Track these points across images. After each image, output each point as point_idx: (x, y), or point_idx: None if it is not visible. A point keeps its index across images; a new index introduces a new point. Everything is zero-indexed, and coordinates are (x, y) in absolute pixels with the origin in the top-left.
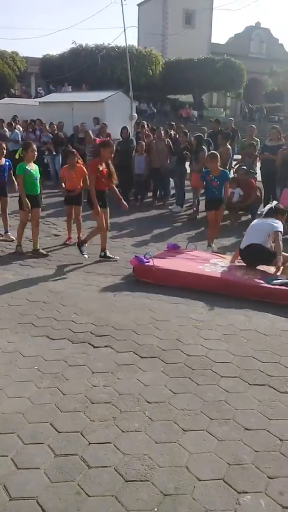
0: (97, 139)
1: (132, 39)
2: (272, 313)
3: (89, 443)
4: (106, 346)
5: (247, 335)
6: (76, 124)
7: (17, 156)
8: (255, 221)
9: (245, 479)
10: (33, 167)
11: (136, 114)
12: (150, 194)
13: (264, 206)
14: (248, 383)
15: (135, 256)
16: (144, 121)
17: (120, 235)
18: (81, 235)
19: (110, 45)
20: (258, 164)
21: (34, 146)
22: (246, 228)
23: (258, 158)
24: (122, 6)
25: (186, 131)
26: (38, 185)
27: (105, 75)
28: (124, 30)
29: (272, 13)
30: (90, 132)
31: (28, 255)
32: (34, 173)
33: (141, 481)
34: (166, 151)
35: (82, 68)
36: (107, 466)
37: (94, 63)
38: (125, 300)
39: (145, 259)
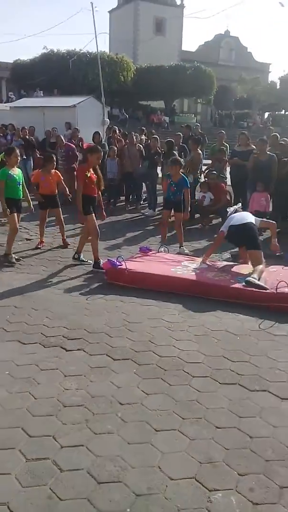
0: (70, 143)
1: (103, 45)
2: (242, 313)
3: (61, 447)
4: (78, 349)
5: (218, 336)
6: (48, 129)
7: None
8: (238, 213)
9: (216, 477)
10: (16, 172)
11: (108, 120)
12: (122, 198)
13: None
14: (219, 382)
15: (108, 259)
16: (115, 126)
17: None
18: (65, 237)
19: (82, 51)
20: (228, 169)
21: (18, 151)
22: (217, 232)
23: (227, 163)
24: (93, 12)
25: (157, 136)
26: (21, 189)
27: (76, 80)
28: (95, 36)
29: (241, 22)
30: (61, 136)
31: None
32: (17, 178)
33: (114, 482)
34: (138, 156)
35: (54, 73)
36: (80, 469)
37: (66, 69)
38: (97, 303)
39: (117, 263)
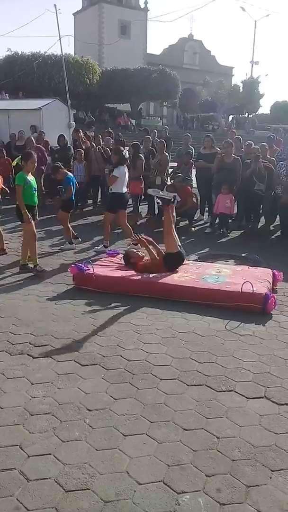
0: (40, 146)
1: (68, 48)
2: (208, 314)
3: (28, 456)
4: (45, 356)
5: (185, 337)
6: (13, 132)
7: (14, 163)
8: None
9: (184, 479)
10: (31, 177)
11: (73, 122)
12: (90, 201)
13: (200, 212)
14: (186, 384)
15: (75, 264)
16: (80, 129)
17: (60, 242)
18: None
19: (46, 54)
20: (194, 171)
21: (35, 157)
22: (184, 234)
23: (193, 165)
24: (56, 14)
25: (121, 139)
26: (36, 196)
27: (42, 83)
28: (60, 39)
29: (204, 26)
30: (32, 137)
31: None
32: (33, 183)
33: (82, 490)
34: (101, 159)
35: (18, 76)
36: (47, 478)
37: (31, 71)
38: (65, 309)
39: (85, 267)
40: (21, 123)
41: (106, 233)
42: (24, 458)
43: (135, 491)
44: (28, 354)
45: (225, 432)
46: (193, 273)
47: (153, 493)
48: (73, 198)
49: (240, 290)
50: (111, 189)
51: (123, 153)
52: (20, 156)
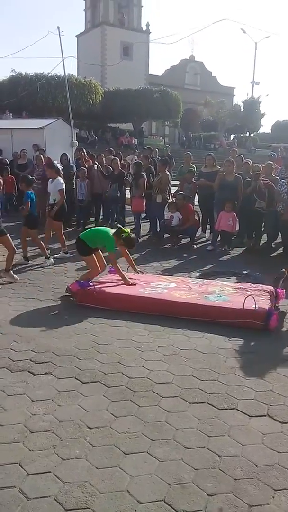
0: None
1: (71, 69)
2: (210, 331)
3: (28, 474)
4: (46, 373)
5: (186, 355)
6: (16, 151)
7: None
8: None
9: (185, 498)
10: None
11: (76, 141)
12: (92, 219)
13: (202, 230)
14: (188, 402)
15: (77, 281)
16: (83, 148)
17: (63, 260)
18: None
19: (50, 74)
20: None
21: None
22: (186, 251)
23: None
24: (59, 36)
25: (116, 157)
26: None
27: (45, 103)
28: (63, 60)
29: (205, 47)
30: (42, 156)
31: None
32: None
33: (82, 508)
34: (102, 177)
35: (22, 96)
36: (47, 496)
37: (34, 92)
38: (66, 325)
39: (86, 284)
40: (24, 142)
41: (62, 241)
42: (24, 476)
43: (135, 510)
44: (29, 371)
45: (227, 450)
46: (196, 292)
47: None
48: (35, 213)
49: (243, 307)
50: (55, 200)
51: (56, 165)
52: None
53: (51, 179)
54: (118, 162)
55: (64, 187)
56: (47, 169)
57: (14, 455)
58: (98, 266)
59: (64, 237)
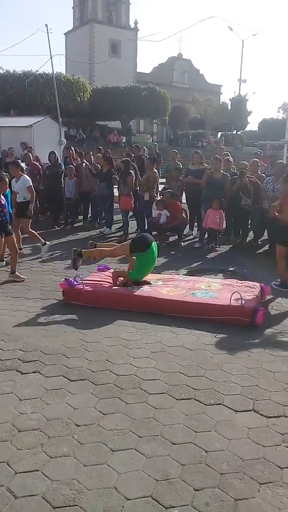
0: (36, 163)
1: (59, 67)
2: (197, 328)
3: (16, 473)
4: (34, 372)
5: (174, 351)
6: (4, 149)
7: None
8: None
9: (172, 494)
10: None
11: (64, 139)
12: (80, 217)
13: (190, 227)
14: (175, 398)
15: (65, 279)
16: (71, 146)
17: (51, 258)
18: None
19: (38, 72)
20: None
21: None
22: (174, 249)
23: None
24: (47, 34)
25: (108, 155)
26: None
27: (33, 101)
28: (51, 58)
29: (193, 45)
30: (30, 154)
31: None
32: None
33: (69, 506)
34: (90, 175)
35: (10, 94)
36: (35, 495)
37: (22, 89)
38: (54, 324)
39: (75, 282)
40: (12, 140)
41: (34, 236)
42: (12, 475)
43: (123, 506)
44: (16, 370)
45: (214, 445)
46: (183, 288)
47: (141, 508)
48: (10, 211)
49: (229, 303)
50: (24, 198)
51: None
52: None
53: (15, 178)
54: (108, 159)
55: (31, 183)
56: (14, 168)
57: (1, 454)
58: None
59: (33, 231)
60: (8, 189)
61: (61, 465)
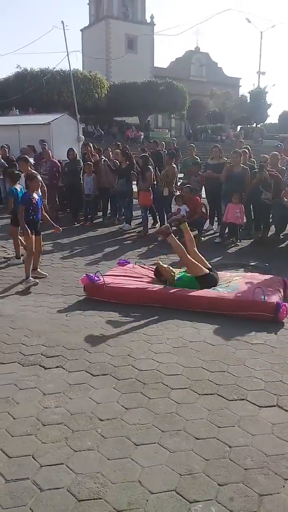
0: (55, 160)
1: (76, 63)
2: (219, 323)
3: (41, 466)
4: (57, 367)
5: (196, 347)
6: (23, 147)
7: None
8: None
9: (196, 488)
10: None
11: (83, 136)
12: (100, 214)
13: (210, 222)
14: (198, 393)
15: (86, 274)
16: (90, 143)
17: (71, 254)
18: None
19: (55, 69)
20: None
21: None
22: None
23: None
24: (64, 31)
25: (127, 151)
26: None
27: (51, 98)
28: (68, 55)
29: (210, 38)
30: (49, 151)
31: None
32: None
33: (94, 499)
34: (109, 171)
35: (28, 91)
36: (59, 488)
37: (40, 87)
38: (76, 319)
39: (95, 278)
40: (31, 138)
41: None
42: (37, 468)
43: (147, 500)
44: (40, 365)
45: (237, 441)
46: None
47: (165, 502)
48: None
49: (252, 298)
50: None
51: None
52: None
53: (23, 174)
54: (127, 155)
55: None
56: (23, 163)
57: (27, 448)
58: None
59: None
60: (21, 185)
61: (85, 458)
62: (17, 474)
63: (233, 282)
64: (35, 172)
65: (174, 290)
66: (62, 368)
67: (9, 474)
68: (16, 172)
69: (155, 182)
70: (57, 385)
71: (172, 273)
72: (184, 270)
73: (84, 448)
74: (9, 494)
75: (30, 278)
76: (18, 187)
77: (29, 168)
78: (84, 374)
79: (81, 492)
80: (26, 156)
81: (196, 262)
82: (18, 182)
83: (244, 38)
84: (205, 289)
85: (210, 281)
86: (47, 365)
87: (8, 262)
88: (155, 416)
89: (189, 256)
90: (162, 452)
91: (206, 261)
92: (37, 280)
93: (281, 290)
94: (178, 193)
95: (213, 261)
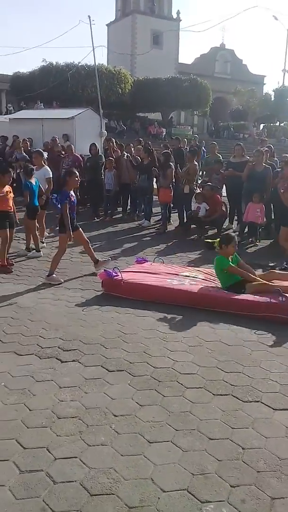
0: (77, 155)
1: (101, 58)
2: (236, 324)
3: (55, 459)
4: (73, 361)
5: (212, 346)
6: (46, 141)
7: None
8: None
9: (208, 489)
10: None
11: (105, 131)
12: (119, 209)
13: (229, 221)
14: (212, 393)
15: (104, 270)
16: (112, 138)
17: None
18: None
19: (80, 64)
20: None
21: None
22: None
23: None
24: (90, 26)
25: (149, 147)
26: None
27: (75, 93)
28: (93, 49)
29: (236, 35)
30: (72, 146)
31: None
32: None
33: (107, 494)
34: (130, 167)
35: (53, 85)
36: (73, 481)
37: (65, 81)
38: (93, 314)
39: (114, 273)
40: (54, 132)
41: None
42: (51, 461)
43: (159, 498)
44: (56, 358)
45: (251, 443)
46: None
47: (177, 501)
48: (36, 203)
49: (269, 300)
50: None
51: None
52: None
53: (36, 167)
54: (149, 151)
55: (51, 175)
56: (37, 156)
57: (42, 440)
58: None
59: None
60: (36, 178)
61: (98, 453)
62: (31, 466)
63: None
64: (74, 170)
65: (192, 288)
66: (78, 362)
67: (23, 465)
68: (30, 167)
69: (173, 180)
70: (73, 379)
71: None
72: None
73: (98, 443)
74: (23, 485)
75: (54, 275)
76: (33, 180)
77: (42, 163)
78: (99, 369)
79: (94, 487)
80: (40, 149)
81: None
82: (33, 175)
83: (270, 35)
84: (223, 290)
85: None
86: (64, 358)
87: (18, 253)
88: (169, 414)
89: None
90: (175, 451)
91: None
92: (62, 280)
93: None
94: (198, 190)
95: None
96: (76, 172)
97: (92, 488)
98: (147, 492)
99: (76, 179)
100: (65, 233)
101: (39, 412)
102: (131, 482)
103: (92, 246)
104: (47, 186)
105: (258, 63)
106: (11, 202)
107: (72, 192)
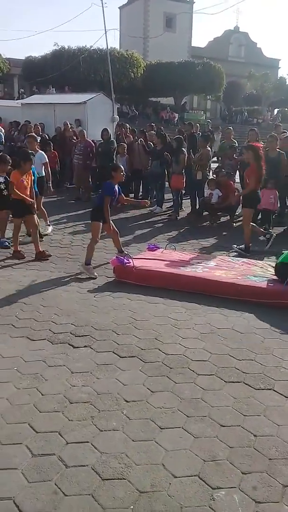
0: (90, 141)
1: (113, 41)
2: (248, 311)
3: (67, 443)
4: (85, 346)
5: (223, 334)
6: (59, 126)
7: None
8: None
9: (219, 475)
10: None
11: (117, 116)
12: (131, 195)
13: (242, 207)
14: (224, 381)
15: (116, 256)
16: (126, 124)
17: (102, 236)
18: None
19: (92, 48)
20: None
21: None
22: (225, 229)
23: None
24: (103, 8)
25: (162, 132)
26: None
27: (87, 77)
28: (105, 33)
29: (250, 18)
30: (84, 131)
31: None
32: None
33: (118, 479)
34: (143, 153)
35: (65, 70)
36: (84, 465)
37: (77, 65)
38: (105, 301)
39: (125, 260)
40: (66, 117)
41: (45, 215)
42: (63, 445)
43: (170, 483)
44: (68, 344)
45: (263, 430)
46: (237, 271)
47: (188, 486)
48: (35, 187)
49: (284, 287)
50: (38, 174)
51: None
52: None
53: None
54: (162, 137)
55: (47, 160)
56: (31, 141)
57: (54, 424)
58: None
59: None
60: (33, 166)
61: (110, 438)
62: (43, 449)
63: (268, 272)
64: (119, 165)
65: (204, 275)
66: (90, 348)
67: (36, 449)
68: (30, 151)
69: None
70: (85, 364)
71: None
72: None
73: (110, 428)
74: (36, 469)
75: (91, 266)
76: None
77: (37, 148)
78: (111, 355)
79: (105, 472)
80: (34, 134)
81: None
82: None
83: (285, 18)
84: (237, 277)
85: None
86: (76, 344)
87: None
88: (181, 401)
89: None
90: (186, 437)
91: None
92: (96, 275)
93: None
94: (212, 177)
95: (243, 246)
96: (122, 167)
97: (103, 473)
98: (158, 477)
99: (122, 173)
100: (99, 221)
101: (51, 396)
102: (143, 467)
103: (104, 233)
104: (44, 172)
105: (273, 46)
106: (28, 191)
107: (116, 187)
